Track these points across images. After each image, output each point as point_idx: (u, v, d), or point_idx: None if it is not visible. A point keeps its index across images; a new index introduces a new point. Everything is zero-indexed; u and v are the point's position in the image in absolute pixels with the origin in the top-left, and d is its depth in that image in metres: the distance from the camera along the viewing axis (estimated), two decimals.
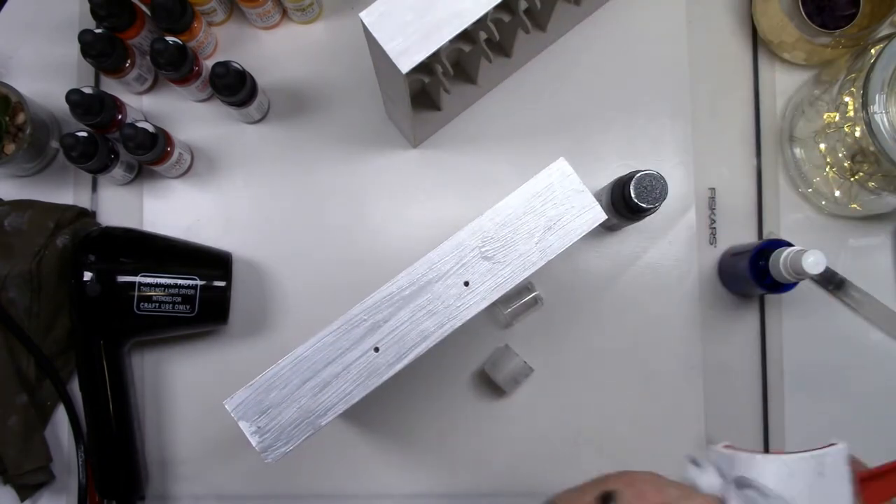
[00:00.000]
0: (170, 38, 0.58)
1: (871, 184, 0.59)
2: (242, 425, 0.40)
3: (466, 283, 0.41)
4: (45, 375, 0.63)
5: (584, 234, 0.42)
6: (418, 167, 0.66)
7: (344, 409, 0.41)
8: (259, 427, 0.40)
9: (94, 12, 0.58)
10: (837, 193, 0.63)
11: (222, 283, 0.61)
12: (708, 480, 0.38)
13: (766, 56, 0.66)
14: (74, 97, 0.57)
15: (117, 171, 0.62)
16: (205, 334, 0.65)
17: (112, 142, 0.61)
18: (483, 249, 0.41)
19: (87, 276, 0.58)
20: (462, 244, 0.41)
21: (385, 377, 0.41)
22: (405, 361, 0.41)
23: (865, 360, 0.65)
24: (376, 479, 0.64)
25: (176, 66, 0.58)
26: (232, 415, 0.40)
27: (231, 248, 0.64)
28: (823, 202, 0.64)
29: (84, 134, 0.57)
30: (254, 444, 0.40)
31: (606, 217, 0.43)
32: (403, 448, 0.64)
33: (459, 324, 0.42)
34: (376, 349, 0.41)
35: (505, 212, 0.42)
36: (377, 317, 0.41)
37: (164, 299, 0.59)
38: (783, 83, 0.66)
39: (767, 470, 0.38)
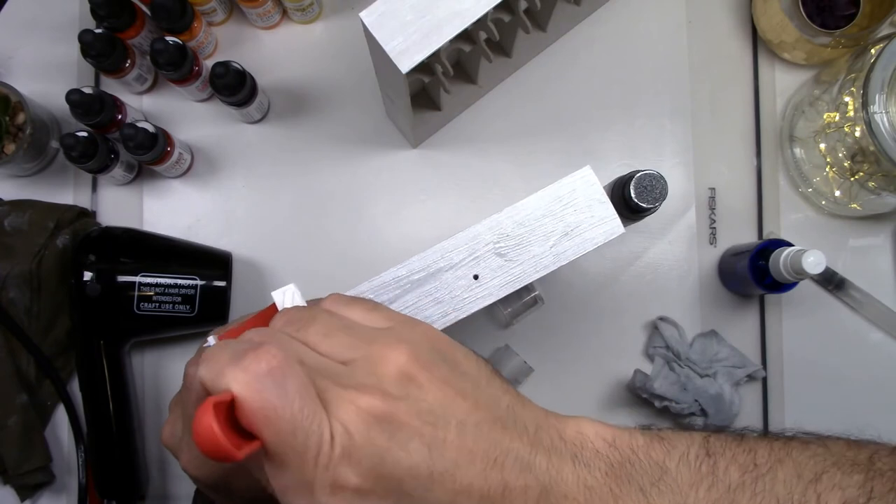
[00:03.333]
0: (170, 38, 0.58)
1: (871, 184, 0.59)
2: None
3: (476, 277, 0.41)
4: (45, 375, 0.63)
5: (600, 244, 0.42)
6: (418, 167, 0.66)
7: None
8: None
9: (94, 12, 0.58)
10: (837, 193, 0.63)
11: (222, 283, 0.61)
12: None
13: (766, 56, 0.66)
14: (74, 97, 0.57)
15: (117, 171, 0.62)
16: (205, 334, 0.65)
17: (112, 142, 0.61)
18: (497, 245, 0.41)
19: (87, 276, 0.58)
20: (477, 237, 0.41)
21: None
22: None
23: (865, 360, 0.65)
24: None
25: (176, 66, 0.58)
26: None
27: (231, 248, 0.64)
28: (823, 202, 0.64)
29: (84, 134, 0.57)
30: None
31: (624, 231, 0.42)
32: None
33: (464, 315, 0.41)
34: None
35: (524, 211, 0.42)
36: (383, 297, 0.41)
37: (164, 299, 0.59)
38: (783, 83, 0.66)
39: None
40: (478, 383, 0.31)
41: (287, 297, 0.37)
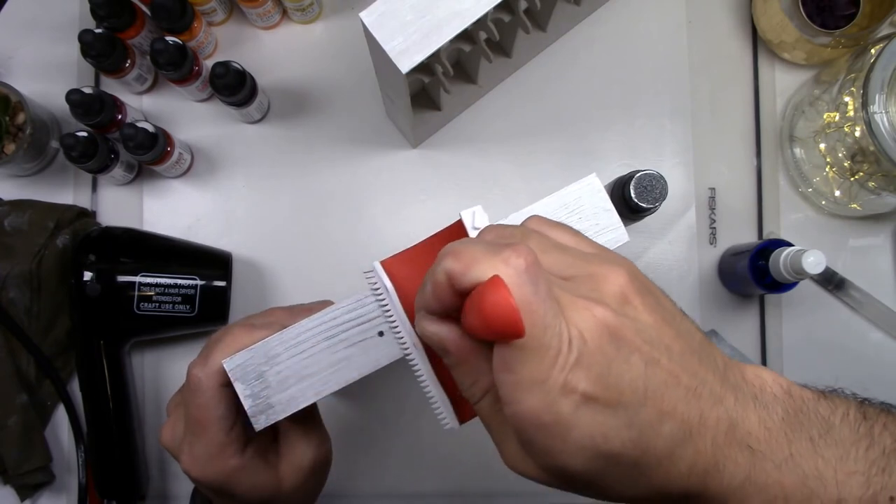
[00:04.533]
0: (170, 38, 0.58)
1: (871, 184, 0.59)
2: (238, 387, 0.40)
3: None
4: (45, 375, 0.63)
5: None
6: (418, 167, 0.66)
7: (338, 388, 0.41)
8: (253, 391, 0.40)
9: (94, 12, 0.58)
10: (837, 193, 0.63)
11: (222, 283, 0.61)
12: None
13: (766, 56, 0.66)
14: (74, 97, 0.57)
15: (117, 171, 0.62)
16: (205, 334, 0.65)
17: (112, 142, 0.61)
18: None
19: (87, 276, 0.58)
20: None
21: (385, 363, 0.41)
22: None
23: (865, 360, 0.65)
24: (376, 478, 0.64)
25: (176, 66, 0.58)
26: (229, 374, 0.40)
27: (231, 248, 0.64)
28: (823, 202, 0.64)
29: (84, 134, 0.57)
30: (246, 407, 0.40)
31: (629, 239, 0.42)
32: (403, 448, 0.64)
33: None
34: (380, 334, 0.41)
35: None
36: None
37: (164, 299, 0.59)
38: (783, 83, 0.66)
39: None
40: (675, 316, 0.32)
41: (477, 216, 0.37)
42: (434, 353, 0.38)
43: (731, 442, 0.30)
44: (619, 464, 0.28)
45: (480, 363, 0.30)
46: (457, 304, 0.29)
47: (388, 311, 0.39)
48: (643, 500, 0.30)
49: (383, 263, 0.39)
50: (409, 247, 0.40)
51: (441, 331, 0.30)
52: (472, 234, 0.37)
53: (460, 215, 0.37)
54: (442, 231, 0.39)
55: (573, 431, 0.27)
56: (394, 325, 0.38)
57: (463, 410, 0.39)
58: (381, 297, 0.39)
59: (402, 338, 0.38)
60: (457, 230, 0.38)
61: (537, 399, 0.27)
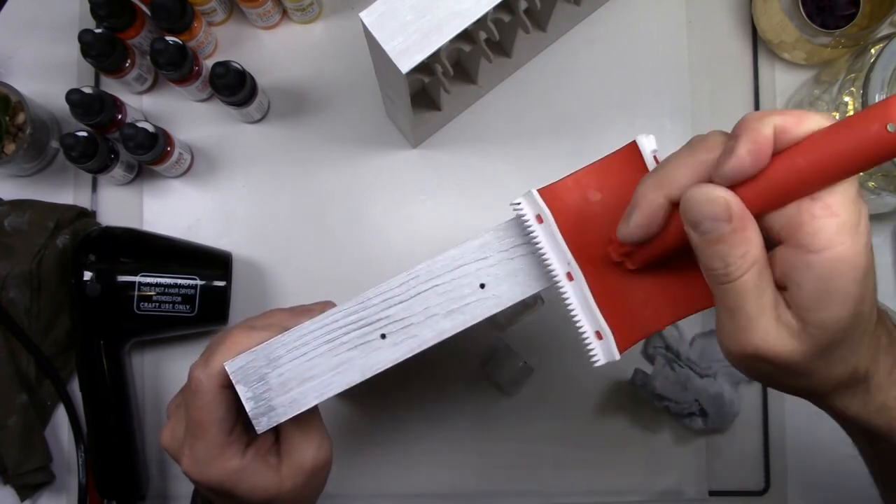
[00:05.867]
0: (170, 38, 0.58)
1: (870, 184, 0.59)
2: (239, 389, 0.40)
3: (482, 286, 0.41)
4: (45, 375, 0.63)
5: None
6: (418, 167, 0.66)
7: (340, 390, 0.41)
8: (255, 394, 0.40)
9: (94, 12, 0.58)
10: None
11: (222, 283, 0.61)
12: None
13: (766, 56, 0.66)
14: (74, 97, 0.57)
15: (117, 171, 0.62)
16: (205, 334, 0.65)
17: (112, 142, 0.61)
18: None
19: (87, 276, 0.58)
20: (485, 246, 0.41)
21: (387, 365, 0.41)
22: (410, 353, 0.41)
23: None
24: (376, 479, 0.64)
25: (176, 66, 0.58)
26: (231, 377, 0.40)
27: (231, 248, 0.64)
28: None
29: (84, 134, 0.57)
30: (248, 409, 0.40)
31: None
32: (403, 448, 0.65)
33: (472, 322, 0.41)
34: (383, 336, 0.41)
35: None
36: (397, 299, 0.40)
37: (164, 299, 0.59)
38: (783, 83, 0.66)
39: None
40: None
41: (652, 140, 0.38)
42: (592, 282, 0.38)
43: (887, 336, 0.34)
44: (857, 327, 0.31)
45: (752, 234, 0.31)
46: (764, 165, 0.30)
47: (537, 240, 0.38)
48: (840, 380, 0.33)
49: (539, 191, 0.38)
50: (560, 178, 0.39)
51: (729, 195, 0.31)
52: (650, 157, 0.38)
53: (637, 139, 0.38)
54: (605, 159, 0.38)
55: (870, 277, 0.30)
56: (543, 255, 0.38)
57: (625, 336, 0.38)
58: (529, 226, 0.38)
59: (551, 268, 0.38)
60: (625, 156, 0.38)
61: (858, 241, 0.29)
